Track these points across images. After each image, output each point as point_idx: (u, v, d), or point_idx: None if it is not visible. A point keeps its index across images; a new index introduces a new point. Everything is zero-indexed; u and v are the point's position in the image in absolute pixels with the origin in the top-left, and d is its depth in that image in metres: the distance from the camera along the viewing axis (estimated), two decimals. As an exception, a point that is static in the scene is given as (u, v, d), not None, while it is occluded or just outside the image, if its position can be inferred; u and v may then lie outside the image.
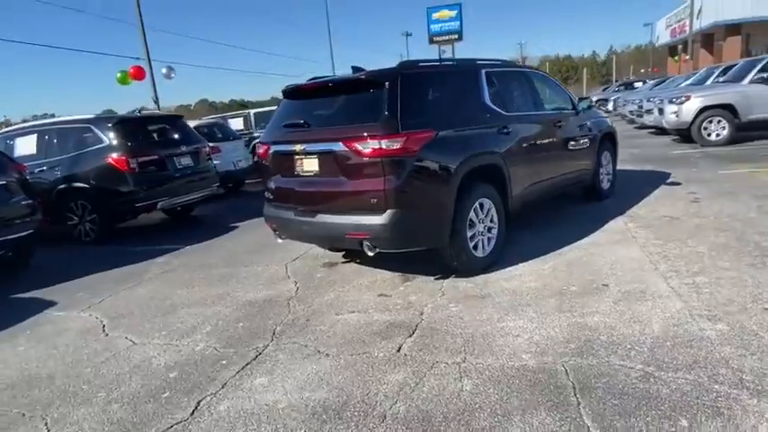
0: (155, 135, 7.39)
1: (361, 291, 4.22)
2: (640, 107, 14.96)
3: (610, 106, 25.45)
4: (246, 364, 3.13)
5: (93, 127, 6.98)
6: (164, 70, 18.99)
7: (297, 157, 4.17)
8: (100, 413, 2.75)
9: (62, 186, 6.96)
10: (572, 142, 5.66)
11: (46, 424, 2.71)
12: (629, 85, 30.84)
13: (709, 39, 36.84)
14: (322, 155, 3.98)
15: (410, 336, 3.28)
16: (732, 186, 6.51)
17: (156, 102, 17.09)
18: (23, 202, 5.71)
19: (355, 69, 4.48)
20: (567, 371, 2.64)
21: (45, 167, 7.09)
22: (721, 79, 11.93)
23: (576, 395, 2.42)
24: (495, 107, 4.63)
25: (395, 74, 3.93)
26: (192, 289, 4.76)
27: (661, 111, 11.65)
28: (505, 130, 4.58)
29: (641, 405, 2.28)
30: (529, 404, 2.40)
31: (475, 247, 4.25)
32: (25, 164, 6.52)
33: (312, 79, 4.68)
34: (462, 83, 4.48)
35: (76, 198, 6.95)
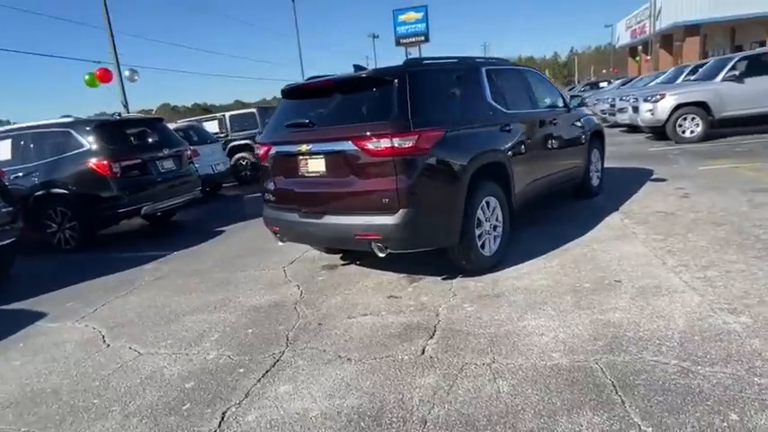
0: (136, 138, 7.11)
1: (369, 293, 4.13)
2: (613, 105, 15.31)
3: (580, 105, 25.89)
4: (266, 372, 3.00)
5: (72, 131, 6.67)
6: (127, 73, 18.50)
7: (301, 157, 4.05)
8: (118, 428, 2.58)
9: (40, 193, 6.64)
10: (566, 140, 5.70)
11: (58, 444, 2.54)
12: (594, 85, 31.60)
13: (668, 39, 38.09)
14: (329, 155, 3.87)
15: (431, 337, 3.21)
16: (718, 181, 6.68)
17: (126, 106, 16.55)
18: (3, 210, 5.39)
19: (357, 68, 4.40)
20: (602, 369, 2.61)
21: (21, 173, 6.74)
22: (692, 78, 12.31)
23: (618, 393, 2.39)
24: (496, 105, 4.60)
25: (402, 71, 3.86)
26: (189, 295, 4.57)
27: (636, 109, 11.92)
28: (507, 128, 4.57)
29: (687, 401, 2.27)
30: (572, 404, 2.35)
31: (482, 246, 4.22)
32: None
33: (311, 78, 4.57)
34: (466, 80, 4.44)
35: (55, 205, 6.63)
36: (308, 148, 3.94)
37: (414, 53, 38.14)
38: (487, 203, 4.24)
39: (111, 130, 6.86)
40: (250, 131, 12.34)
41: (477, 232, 4.13)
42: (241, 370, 3.07)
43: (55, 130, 6.83)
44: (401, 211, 3.63)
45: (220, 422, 2.54)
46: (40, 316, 4.45)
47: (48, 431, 2.64)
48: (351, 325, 3.54)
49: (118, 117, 7.44)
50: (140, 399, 2.86)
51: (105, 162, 6.45)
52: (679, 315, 3.10)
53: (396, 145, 3.56)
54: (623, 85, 21.22)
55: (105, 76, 17.50)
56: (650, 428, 2.13)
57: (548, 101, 5.72)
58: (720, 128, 10.85)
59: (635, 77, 23.46)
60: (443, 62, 4.39)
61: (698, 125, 10.70)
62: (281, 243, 4.64)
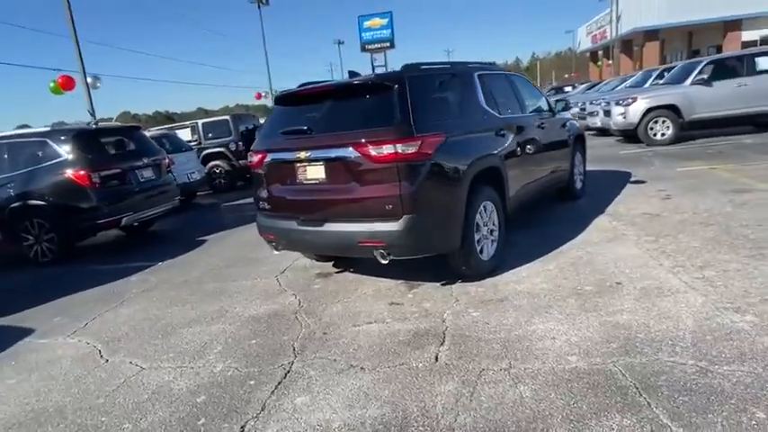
0: (114, 147, 6.89)
1: (369, 300, 4.07)
2: (583, 109, 15.65)
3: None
4: (279, 383, 2.92)
5: (48, 140, 6.41)
6: (89, 79, 17.96)
7: (299, 164, 3.97)
8: (131, 451, 2.46)
9: (15, 205, 6.35)
10: (554, 143, 5.79)
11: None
12: (558, 90, 32.26)
13: (628, 44, 39.35)
14: (329, 161, 3.81)
15: (441, 344, 3.18)
16: (696, 183, 6.88)
17: (93, 114, 16.03)
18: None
19: (352, 74, 4.37)
20: (621, 371, 2.62)
21: (-5, 185, 6.42)
22: (660, 81, 12.70)
23: (642, 395, 2.40)
24: (490, 110, 4.63)
25: (401, 77, 3.84)
26: (183, 307, 4.43)
27: (607, 112, 12.22)
28: (501, 133, 4.60)
29: (711, 400, 2.30)
30: (599, 408, 2.35)
31: (481, 251, 4.21)
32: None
33: (303, 85, 4.50)
34: (461, 85, 4.46)
35: (32, 216, 6.35)
36: (307, 154, 3.86)
37: (379, 59, 38.31)
38: (485, 208, 4.25)
39: (89, 139, 6.62)
40: (224, 139, 12.13)
41: (476, 237, 4.13)
42: (252, 382, 2.97)
43: (31, 139, 6.56)
44: (405, 217, 3.60)
45: (240, 438, 2.45)
46: (26, 332, 4.24)
47: (54, 456, 2.50)
48: (357, 333, 3.48)
49: (95, 126, 7.19)
50: (151, 415, 2.74)
51: (84, 172, 6.22)
52: (686, 315, 3.15)
53: (399, 151, 3.53)
54: (589, 89, 21.76)
55: (67, 84, 16.94)
56: (681, 429, 2.15)
57: (534, 105, 5.78)
58: (690, 130, 11.21)
59: (599, 82, 24.07)
60: (439, 67, 4.39)
61: (668, 128, 11.04)
62: (276, 252, 4.54)
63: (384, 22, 36.95)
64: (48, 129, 6.63)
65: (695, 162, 8.55)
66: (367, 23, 37.03)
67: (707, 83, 10.70)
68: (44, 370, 3.49)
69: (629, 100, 11.29)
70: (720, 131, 11.64)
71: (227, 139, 12.08)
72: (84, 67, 15.95)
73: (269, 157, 4.17)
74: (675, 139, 11.02)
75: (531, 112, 5.60)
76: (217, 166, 12.19)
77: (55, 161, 6.33)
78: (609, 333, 3.05)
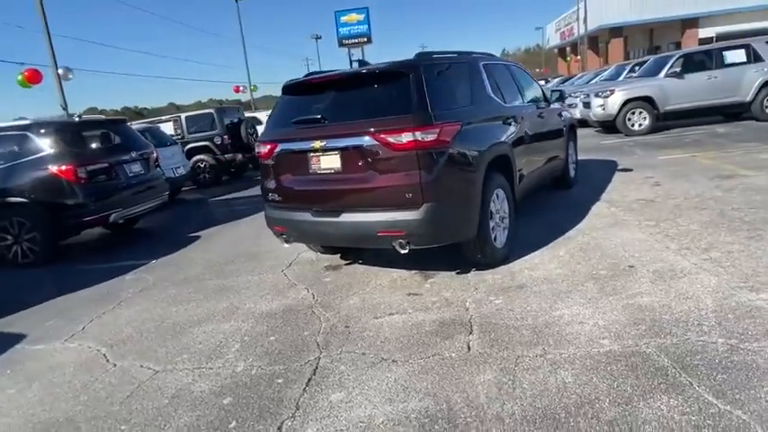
0: (101, 141, 6.61)
1: (385, 291, 4.03)
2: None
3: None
4: (309, 380, 2.84)
5: (30, 134, 6.08)
6: (60, 71, 17.26)
7: (313, 154, 3.88)
8: (170, 456, 2.35)
9: (-8, 203, 6.00)
10: (552, 132, 5.86)
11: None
12: (532, 84, 32.76)
13: (594, 41, 40.36)
14: (346, 150, 3.74)
15: (470, 333, 3.16)
16: (681, 170, 7.07)
17: (65, 108, 15.40)
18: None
19: (361, 63, 4.31)
20: (655, 352, 2.66)
21: (-29, 183, 6.06)
22: (635, 75, 13.02)
23: (682, 375, 2.44)
24: (496, 98, 4.64)
25: (416, 65, 3.79)
26: (188, 305, 4.29)
27: (587, 104, 12.46)
28: (508, 121, 4.62)
29: (750, 377, 2.35)
30: (643, 389, 2.38)
31: (494, 239, 4.23)
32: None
33: (309, 75, 4.41)
34: (470, 74, 4.44)
35: (12, 215, 6.02)
36: (323, 144, 3.78)
37: (357, 54, 38.13)
38: (497, 195, 4.26)
39: (74, 132, 6.32)
40: (208, 133, 11.83)
41: (491, 225, 4.14)
42: (280, 380, 2.89)
43: (9, 133, 6.19)
44: (425, 205, 3.57)
45: (282, 437, 2.38)
46: (18, 338, 4.02)
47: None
48: (381, 325, 3.43)
49: (78, 119, 6.87)
50: (176, 420, 2.63)
51: (70, 167, 5.94)
52: (704, 295, 3.23)
53: (419, 138, 3.49)
54: (563, 82, 22.15)
55: (34, 77, 16.19)
56: (728, 406, 2.18)
57: (533, 95, 5.83)
58: (665, 120, 11.55)
59: (572, 76, 24.55)
60: (449, 56, 4.36)
61: (645, 118, 11.34)
62: (286, 245, 4.44)
63: (361, 17, 36.84)
64: (28, 122, 6.29)
65: (675, 150, 8.80)
66: (344, 18, 36.86)
67: (679, 75, 11.03)
68: (45, 378, 3.29)
69: (608, 92, 11.55)
70: (692, 122, 12.03)
71: (213, 132, 11.79)
72: (55, 60, 15.26)
73: (279, 148, 4.07)
74: (652, 129, 11.34)
75: (530, 102, 5.64)
76: (201, 160, 11.88)
77: (37, 156, 6.02)
78: (634, 315, 3.09)
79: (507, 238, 4.44)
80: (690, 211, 5.06)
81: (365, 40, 37.51)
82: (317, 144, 3.80)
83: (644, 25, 33.86)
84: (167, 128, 11.77)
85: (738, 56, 10.90)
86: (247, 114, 14.66)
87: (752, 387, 2.28)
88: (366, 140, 3.62)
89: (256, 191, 10.90)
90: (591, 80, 17.30)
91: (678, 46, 30.13)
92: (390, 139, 3.53)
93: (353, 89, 3.97)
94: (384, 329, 3.36)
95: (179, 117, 12.21)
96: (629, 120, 11.43)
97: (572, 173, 6.90)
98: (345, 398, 2.64)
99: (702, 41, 28.74)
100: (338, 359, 3.05)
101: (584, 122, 14.02)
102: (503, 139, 4.42)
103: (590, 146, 10.75)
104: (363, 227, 3.76)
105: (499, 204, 4.30)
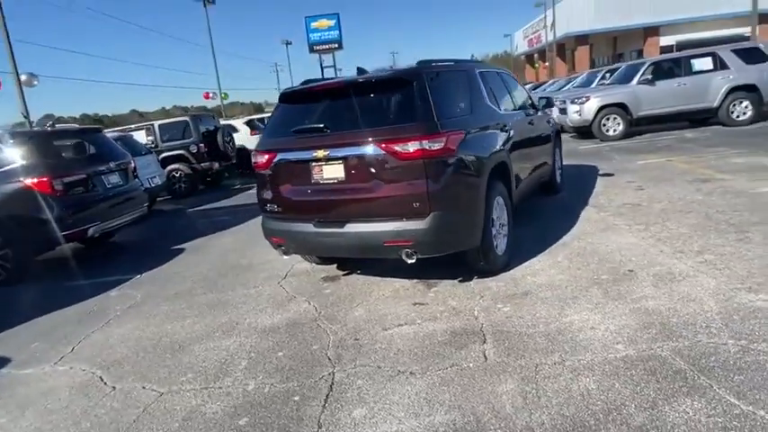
0: (76, 151, 6.34)
1: (390, 302, 3.99)
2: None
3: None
4: (327, 397, 2.78)
5: None
6: (23, 77, 16.67)
7: (315, 163, 3.83)
8: (195, 483, 2.25)
9: (-42, 220, 5.69)
10: (542, 138, 5.94)
11: None
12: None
13: (561, 48, 41.40)
14: (350, 159, 3.69)
15: (484, 342, 3.16)
16: (660, 174, 7.28)
17: (27, 116, 14.83)
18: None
19: (360, 71, 4.27)
20: (671, 356, 2.70)
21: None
22: (607, 82, 13.39)
23: (701, 377, 2.48)
24: (492, 106, 4.68)
25: (419, 73, 3.80)
26: (184, 322, 4.15)
27: (563, 111, 12.72)
28: (505, 128, 4.66)
29: (766, 377, 2.41)
30: (666, 393, 2.41)
31: (496, 246, 4.25)
32: None
33: (305, 83, 4.36)
34: (468, 82, 4.47)
35: (-20, 232, 5.72)
36: (326, 153, 3.72)
37: (328, 60, 38.08)
38: (497, 203, 4.28)
39: (47, 142, 6.08)
40: (183, 141, 11.56)
41: (493, 232, 4.16)
42: (296, 398, 2.81)
43: (-24, 144, 5.91)
44: (432, 214, 3.56)
45: (312, 457, 2.31)
46: (2, 362, 3.80)
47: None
48: (391, 337, 3.39)
49: (51, 128, 6.61)
50: (193, 444, 2.53)
51: (44, 179, 5.69)
52: (706, 298, 3.31)
53: (426, 147, 3.48)
54: (534, 89, 22.62)
55: (-8, 85, 15.62)
56: (750, 407, 2.23)
57: (523, 102, 5.91)
58: (637, 126, 11.91)
59: (543, 83, 25.10)
60: (447, 64, 4.38)
61: (619, 124, 11.67)
62: (285, 257, 4.36)
63: (331, 23, 36.70)
64: None
65: (651, 155, 9.06)
66: (314, 24, 36.64)
67: (651, 82, 11.41)
68: (39, 404, 3.11)
69: (584, 99, 11.83)
70: (662, 127, 12.44)
71: (188, 140, 11.52)
72: (16, 67, 14.70)
73: (278, 157, 4.00)
74: (625, 135, 11.67)
75: (520, 108, 5.71)
76: (177, 169, 11.59)
77: (7, 168, 5.75)
78: (643, 319, 3.14)
79: (507, 245, 4.46)
80: (677, 215, 5.20)
81: (336, 45, 37.45)
82: (320, 153, 3.75)
83: (608, 33, 34.91)
84: (140, 136, 11.45)
85: (706, 64, 11.34)
86: (222, 122, 14.41)
87: (771, 387, 2.34)
88: (371, 149, 3.59)
89: (236, 200, 10.84)
90: (563, 87, 17.70)
91: (640, 54, 31.19)
92: (397, 147, 3.51)
93: (354, 97, 3.93)
94: (396, 341, 3.32)
95: (152, 125, 11.90)
96: (605, 125, 11.73)
97: (558, 178, 7.02)
98: (368, 414, 2.58)
99: (663, 49, 29.86)
100: (353, 373, 2.99)
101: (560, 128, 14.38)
102: (502, 146, 4.45)
103: (569, 151, 10.89)
104: (369, 237, 3.72)
105: (500, 211, 4.33)
